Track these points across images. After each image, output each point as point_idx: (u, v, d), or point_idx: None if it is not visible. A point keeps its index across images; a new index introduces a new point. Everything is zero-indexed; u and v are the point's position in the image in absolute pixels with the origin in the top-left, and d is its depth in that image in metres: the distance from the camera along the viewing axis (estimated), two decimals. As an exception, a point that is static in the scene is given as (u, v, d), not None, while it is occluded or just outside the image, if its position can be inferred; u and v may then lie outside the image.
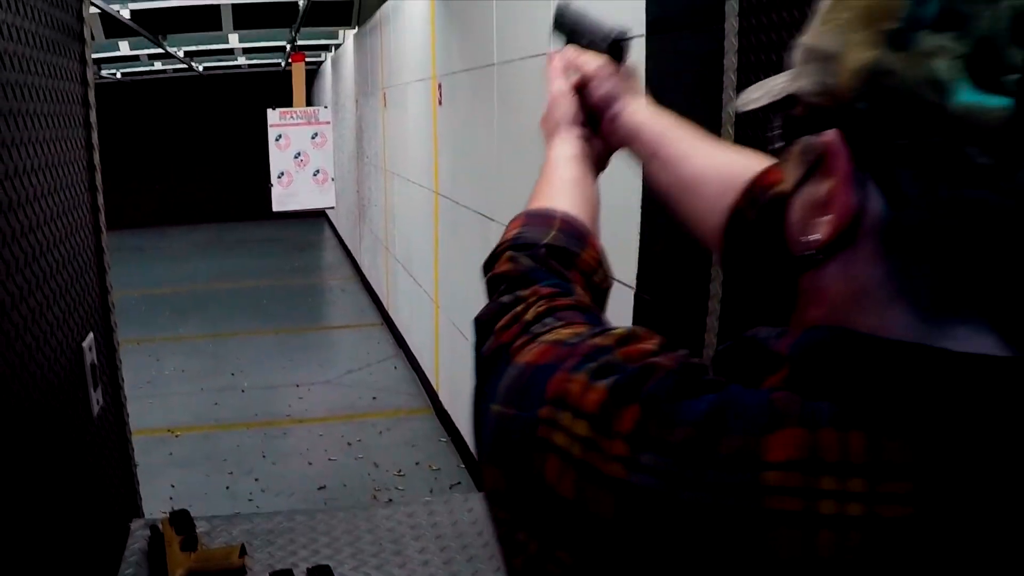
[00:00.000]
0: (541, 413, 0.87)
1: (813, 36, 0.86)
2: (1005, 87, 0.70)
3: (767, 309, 1.05)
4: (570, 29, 1.63)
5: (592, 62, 1.56)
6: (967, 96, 0.71)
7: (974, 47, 0.71)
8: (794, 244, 0.90)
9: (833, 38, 0.82)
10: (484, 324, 1.11)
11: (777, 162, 1.32)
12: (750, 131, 2.39)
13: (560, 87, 1.57)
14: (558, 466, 0.84)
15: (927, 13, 0.74)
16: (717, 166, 1.42)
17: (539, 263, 1.20)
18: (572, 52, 1.59)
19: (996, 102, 0.70)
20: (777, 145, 0.94)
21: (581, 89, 1.56)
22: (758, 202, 1.30)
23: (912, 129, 0.74)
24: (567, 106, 1.54)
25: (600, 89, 1.54)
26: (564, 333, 0.99)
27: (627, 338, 0.93)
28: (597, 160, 1.54)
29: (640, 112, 1.51)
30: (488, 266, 1.27)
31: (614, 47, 1.57)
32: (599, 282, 1.26)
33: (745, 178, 1.34)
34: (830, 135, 0.81)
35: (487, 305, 1.15)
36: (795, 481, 0.73)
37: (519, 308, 1.08)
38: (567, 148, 1.50)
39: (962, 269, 0.75)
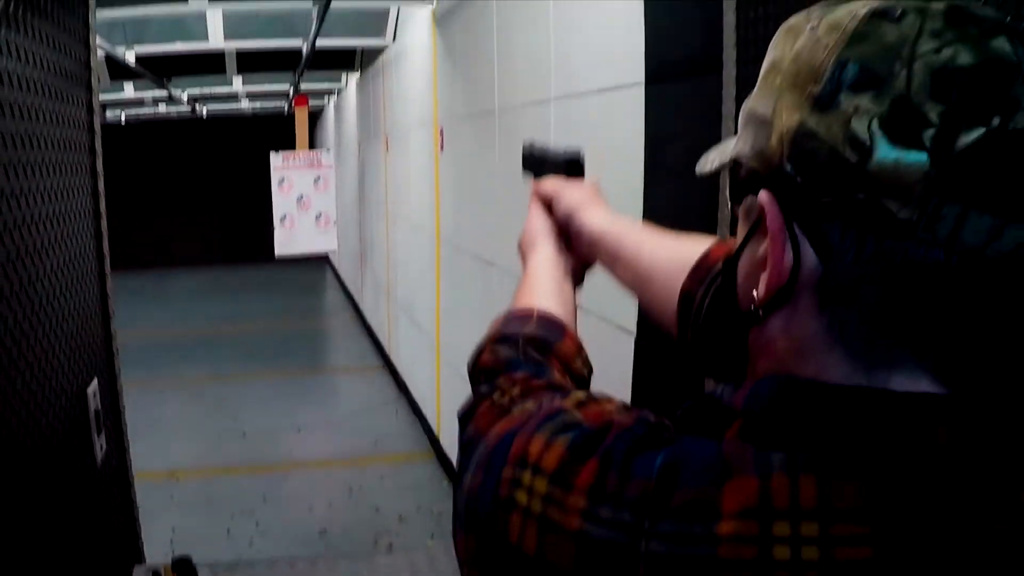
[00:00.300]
0: (504, 474, 0.92)
1: (752, 100, 0.91)
2: (923, 142, 0.74)
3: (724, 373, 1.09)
4: (536, 163, 1.79)
5: (552, 184, 1.68)
6: (886, 153, 0.75)
7: (891, 106, 0.76)
8: (742, 301, 0.94)
9: (766, 102, 0.87)
10: (465, 415, 1.15)
11: (720, 240, 1.38)
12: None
13: (533, 212, 1.69)
14: (520, 522, 0.87)
15: (847, 75, 0.79)
16: (668, 255, 1.48)
17: (518, 353, 1.27)
18: (537, 181, 1.72)
19: (914, 158, 0.74)
20: (729, 206, 0.98)
21: (550, 210, 1.67)
22: (705, 280, 1.35)
23: (836, 187, 0.79)
24: (541, 223, 1.66)
25: (561, 205, 1.63)
26: (530, 405, 1.04)
27: (585, 401, 0.98)
28: (573, 271, 1.63)
29: (599, 220, 1.59)
30: (472, 362, 1.34)
31: (570, 166, 1.71)
32: (578, 370, 1.33)
33: (693, 261, 1.40)
34: (763, 196, 0.85)
35: (468, 398, 1.21)
36: (750, 529, 0.76)
37: (495, 395, 1.14)
38: (544, 253, 1.61)
39: (892, 317, 0.79)
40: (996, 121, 0.73)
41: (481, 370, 1.28)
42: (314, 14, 6.87)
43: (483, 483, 0.94)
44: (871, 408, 0.79)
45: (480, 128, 5.87)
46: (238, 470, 7.98)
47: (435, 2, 7.14)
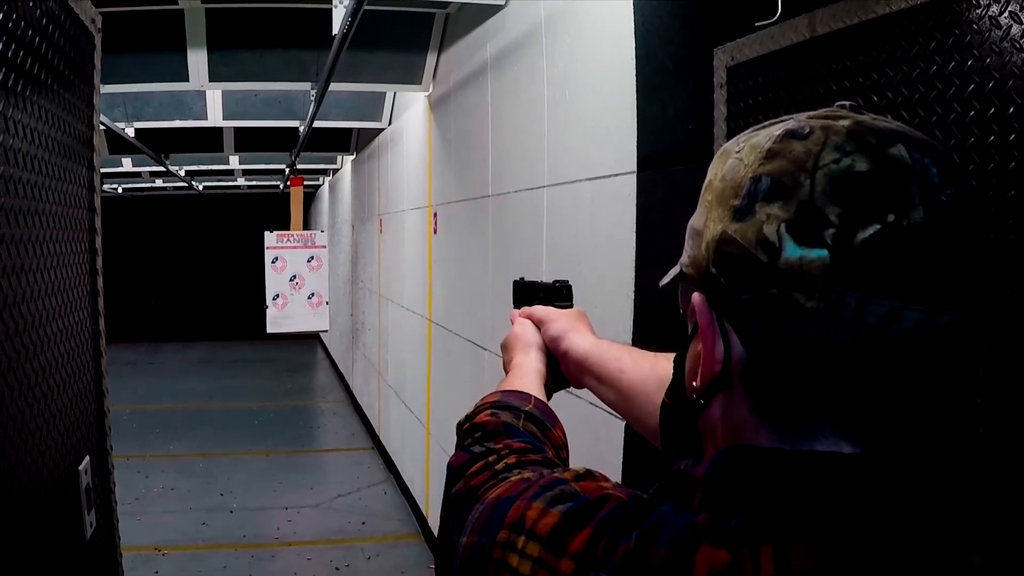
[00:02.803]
0: (499, 537, 0.98)
1: (692, 217, 1.02)
2: (824, 240, 0.84)
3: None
4: (526, 295, 1.90)
5: (541, 310, 1.79)
6: (792, 251, 0.85)
7: (796, 211, 0.86)
8: (688, 393, 1.03)
9: (700, 218, 0.98)
10: (456, 470, 1.22)
11: None
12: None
13: (520, 321, 1.80)
14: None
15: (761, 188, 0.89)
16: (646, 374, 1.59)
17: (518, 423, 1.35)
18: (528, 309, 1.83)
19: (816, 254, 0.84)
20: (680, 311, 1.07)
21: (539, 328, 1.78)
22: None
23: (752, 284, 0.88)
24: (531, 331, 1.77)
25: (549, 330, 1.74)
26: (528, 473, 1.11)
27: (584, 475, 1.04)
28: (547, 386, 1.71)
29: (583, 344, 1.70)
30: (466, 419, 1.41)
31: (558, 293, 1.84)
32: (564, 459, 1.39)
33: (670, 376, 1.48)
34: (695, 297, 0.96)
35: (458, 453, 1.29)
36: None
37: (491, 458, 1.21)
38: (534, 362, 1.71)
39: (809, 395, 0.88)
40: (891, 217, 0.83)
41: (477, 427, 1.34)
42: (312, 96, 6.95)
43: (478, 543, 1.01)
44: (817, 469, 0.87)
45: (474, 212, 5.92)
46: (224, 547, 7.91)
47: (430, 88, 7.22)
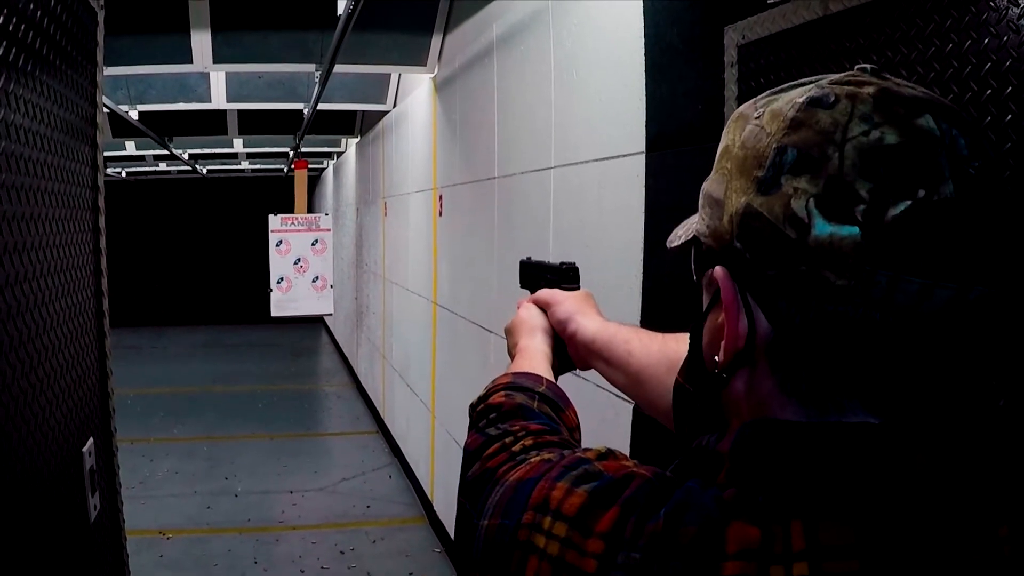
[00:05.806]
0: (524, 518, 0.97)
1: (708, 183, 0.99)
2: (855, 217, 0.82)
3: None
4: (533, 275, 1.91)
5: (548, 293, 1.79)
6: (822, 228, 0.83)
7: (825, 186, 0.84)
8: (707, 365, 1.01)
9: (719, 186, 0.95)
10: (472, 453, 1.22)
11: None
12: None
13: (527, 306, 1.80)
14: (536, 565, 0.93)
15: (787, 160, 0.87)
16: (656, 357, 1.58)
17: (532, 404, 1.34)
18: (534, 295, 1.83)
19: (847, 231, 0.82)
20: (694, 278, 1.06)
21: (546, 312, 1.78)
22: None
23: (780, 261, 0.86)
24: (536, 314, 1.77)
25: (557, 312, 1.74)
26: (547, 454, 1.09)
27: (606, 454, 1.03)
28: (555, 369, 1.70)
29: (591, 326, 1.69)
30: (479, 400, 1.40)
31: (565, 276, 1.83)
32: (578, 439, 1.40)
33: (681, 357, 1.46)
34: (718, 270, 0.94)
35: (473, 435, 1.28)
36: (750, 570, 0.81)
37: (507, 440, 1.20)
38: (540, 345, 1.70)
39: (838, 372, 0.87)
40: (921, 193, 0.82)
41: (492, 408, 1.33)
42: (316, 78, 6.93)
43: (500, 525, 1.00)
44: (847, 439, 0.86)
45: (479, 195, 5.90)
46: (229, 531, 7.91)
47: (435, 69, 7.20)
